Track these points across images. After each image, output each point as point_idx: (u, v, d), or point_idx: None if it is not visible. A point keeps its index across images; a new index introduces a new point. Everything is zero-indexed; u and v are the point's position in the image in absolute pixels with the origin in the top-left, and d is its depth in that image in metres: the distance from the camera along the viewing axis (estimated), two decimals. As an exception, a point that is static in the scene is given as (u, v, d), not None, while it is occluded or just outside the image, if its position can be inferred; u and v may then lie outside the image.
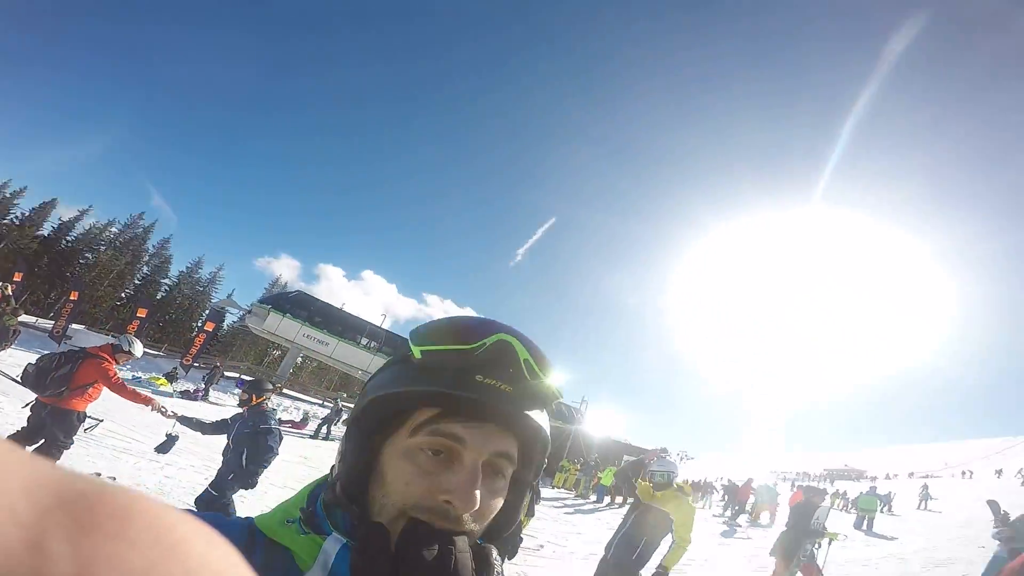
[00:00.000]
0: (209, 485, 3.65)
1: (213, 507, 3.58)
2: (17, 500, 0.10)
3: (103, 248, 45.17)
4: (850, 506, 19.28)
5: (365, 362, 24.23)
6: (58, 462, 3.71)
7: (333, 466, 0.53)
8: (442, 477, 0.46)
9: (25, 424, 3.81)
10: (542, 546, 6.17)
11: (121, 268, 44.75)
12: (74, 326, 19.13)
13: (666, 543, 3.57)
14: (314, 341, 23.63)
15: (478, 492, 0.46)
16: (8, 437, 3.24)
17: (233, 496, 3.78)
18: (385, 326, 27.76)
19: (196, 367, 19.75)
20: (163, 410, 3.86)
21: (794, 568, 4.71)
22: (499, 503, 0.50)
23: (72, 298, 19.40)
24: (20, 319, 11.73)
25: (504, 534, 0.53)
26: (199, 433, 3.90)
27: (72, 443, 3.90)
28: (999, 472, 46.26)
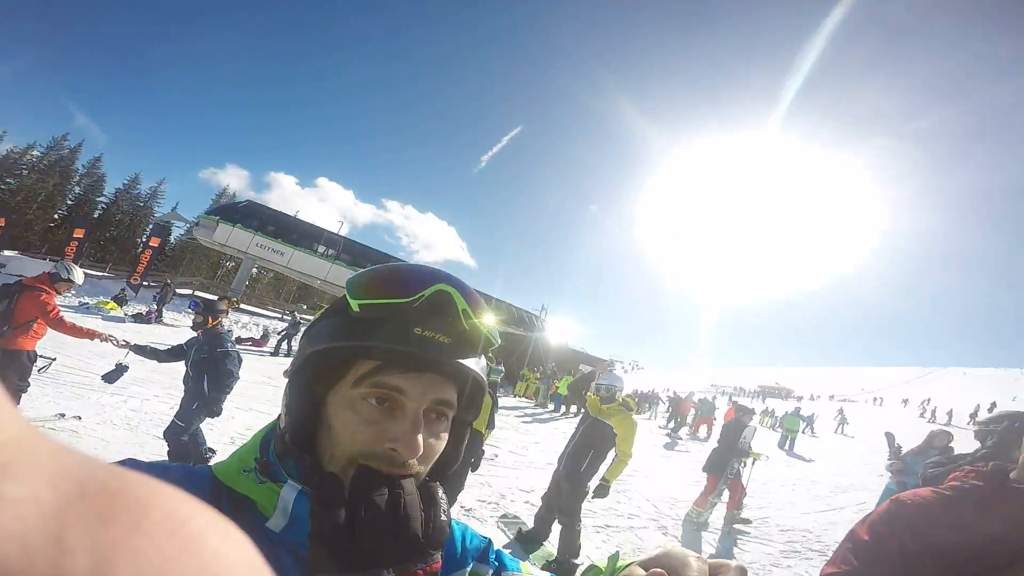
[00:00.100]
0: (175, 416, 3.60)
1: (181, 439, 3.57)
2: (42, 490, 0.10)
3: (25, 172, 41.58)
4: (777, 424, 20.75)
5: (323, 270, 23.84)
6: (18, 406, 3.57)
7: (280, 415, 0.54)
8: (386, 425, 0.49)
9: None
10: (496, 455, 6.47)
11: (49, 190, 42.02)
12: (7, 252, 18.17)
13: (612, 456, 3.69)
14: (268, 251, 22.87)
15: (420, 438, 0.49)
16: None
17: (200, 425, 3.76)
18: (343, 233, 27.07)
19: (145, 286, 18.96)
20: (113, 340, 3.66)
21: (722, 485, 5.10)
22: (442, 444, 0.54)
23: (-1, 224, 18.01)
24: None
25: (449, 471, 0.57)
26: (155, 361, 3.78)
27: (28, 385, 3.73)
28: (905, 402, 51.79)
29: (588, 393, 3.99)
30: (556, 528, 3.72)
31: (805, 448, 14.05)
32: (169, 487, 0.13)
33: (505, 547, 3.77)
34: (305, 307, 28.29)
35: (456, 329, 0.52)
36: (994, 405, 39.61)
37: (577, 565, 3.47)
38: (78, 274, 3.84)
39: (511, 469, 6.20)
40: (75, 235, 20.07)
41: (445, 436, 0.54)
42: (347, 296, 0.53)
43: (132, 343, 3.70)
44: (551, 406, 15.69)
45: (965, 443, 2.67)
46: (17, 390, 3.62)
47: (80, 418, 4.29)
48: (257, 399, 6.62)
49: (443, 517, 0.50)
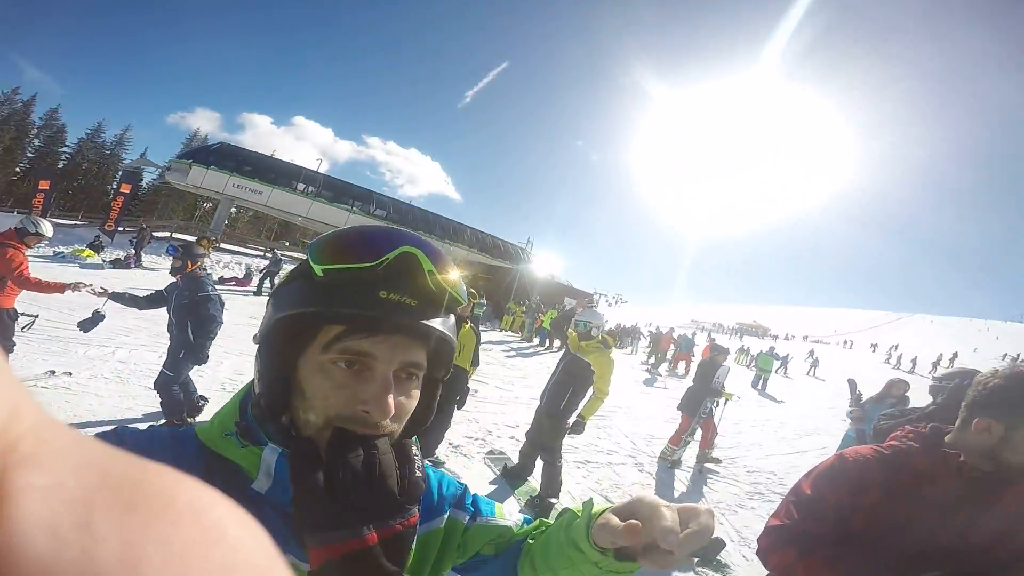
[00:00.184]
0: (163, 366, 3.59)
1: (172, 389, 3.58)
2: (68, 479, 0.11)
3: (-23, 129, 39.70)
4: (751, 363, 21.21)
5: (303, 207, 23.71)
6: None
7: (254, 380, 0.55)
8: (357, 389, 0.50)
9: None
10: (477, 391, 6.49)
11: (7, 144, 41.16)
12: (-30, 208, 17.03)
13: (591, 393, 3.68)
14: (246, 191, 22.49)
15: (391, 399, 0.50)
16: None
17: (189, 373, 3.76)
18: (323, 171, 26.80)
19: (121, 232, 18.40)
20: (83, 287, 3.53)
21: (695, 424, 5.26)
22: (414, 403, 0.55)
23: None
24: None
25: (423, 427, 0.59)
26: (135, 309, 3.72)
27: (14, 344, 3.66)
28: (874, 347, 53.39)
29: (568, 329, 3.93)
30: (540, 464, 3.84)
31: (777, 389, 14.47)
32: (189, 478, 0.13)
33: (491, 483, 3.96)
34: (288, 244, 28.11)
35: (422, 290, 0.52)
36: (955, 356, 41.44)
37: (553, 504, 3.60)
38: (46, 227, 3.72)
39: (498, 405, 6.37)
40: (40, 187, 19.37)
41: (416, 394, 0.55)
42: (310, 261, 0.53)
43: (110, 291, 3.59)
44: (536, 340, 15.48)
45: (924, 392, 2.78)
46: (3, 350, 3.56)
47: (71, 374, 4.27)
48: (244, 342, 6.59)
49: (417, 474, 0.52)
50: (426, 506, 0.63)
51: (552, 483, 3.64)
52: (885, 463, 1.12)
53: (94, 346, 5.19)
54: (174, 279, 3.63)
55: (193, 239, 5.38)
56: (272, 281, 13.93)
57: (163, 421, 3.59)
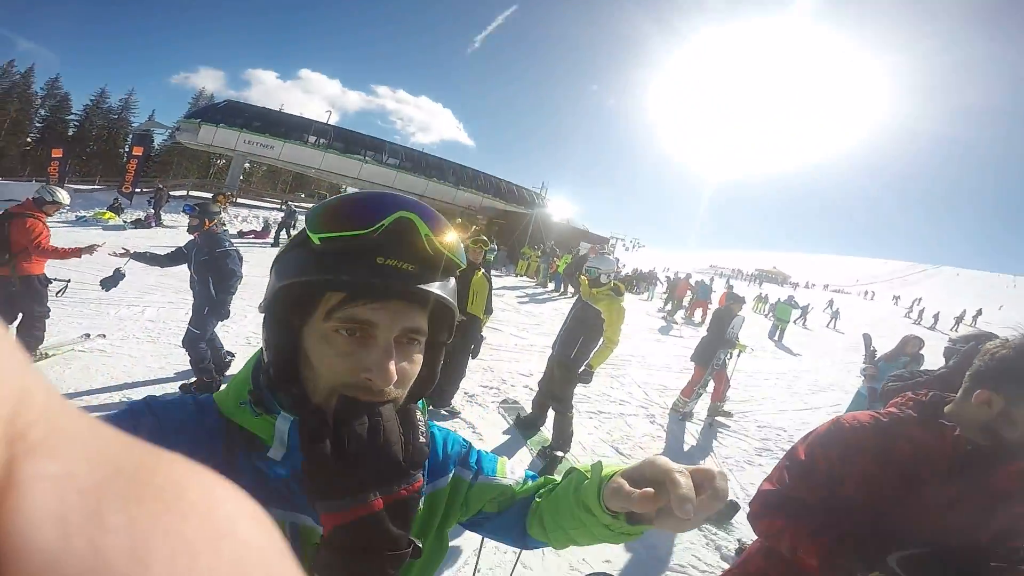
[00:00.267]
0: (189, 324, 3.71)
1: (199, 346, 3.70)
2: (78, 466, 0.11)
3: (-21, 104, 40.26)
4: (769, 312, 20.07)
5: (316, 159, 23.65)
6: (44, 332, 3.70)
7: (261, 349, 0.57)
8: (359, 355, 0.51)
9: None
10: (489, 339, 6.30)
11: (13, 116, 41.92)
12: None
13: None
14: (257, 146, 22.38)
15: (393, 365, 0.51)
16: None
17: (215, 329, 3.86)
18: (332, 122, 26.51)
19: (138, 193, 18.56)
20: (107, 249, 3.64)
21: (708, 375, 5.17)
22: (417, 367, 0.56)
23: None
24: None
25: (428, 391, 0.61)
26: (157, 268, 3.83)
27: (49, 311, 3.78)
28: (896, 299, 51.26)
29: (580, 276, 3.81)
30: (552, 413, 3.86)
31: (794, 341, 14.01)
32: (202, 469, 0.13)
33: (505, 432, 4.05)
34: (303, 196, 28.40)
35: (420, 255, 0.52)
36: (979, 312, 38.79)
37: (559, 457, 3.58)
38: (63, 195, 3.78)
39: (512, 353, 6.42)
40: (54, 155, 19.67)
41: (419, 358, 0.56)
42: (307, 230, 0.53)
43: (132, 251, 3.71)
44: (551, 285, 15.10)
45: (941, 351, 2.63)
46: (40, 316, 3.68)
47: (105, 336, 4.43)
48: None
49: (421, 439, 0.54)
50: (432, 465, 0.66)
51: (563, 434, 3.65)
52: (880, 431, 1.09)
53: (124, 306, 5.38)
54: (192, 237, 3.72)
55: (210, 196, 5.42)
56: (288, 232, 14.04)
57: (194, 379, 3.76)
